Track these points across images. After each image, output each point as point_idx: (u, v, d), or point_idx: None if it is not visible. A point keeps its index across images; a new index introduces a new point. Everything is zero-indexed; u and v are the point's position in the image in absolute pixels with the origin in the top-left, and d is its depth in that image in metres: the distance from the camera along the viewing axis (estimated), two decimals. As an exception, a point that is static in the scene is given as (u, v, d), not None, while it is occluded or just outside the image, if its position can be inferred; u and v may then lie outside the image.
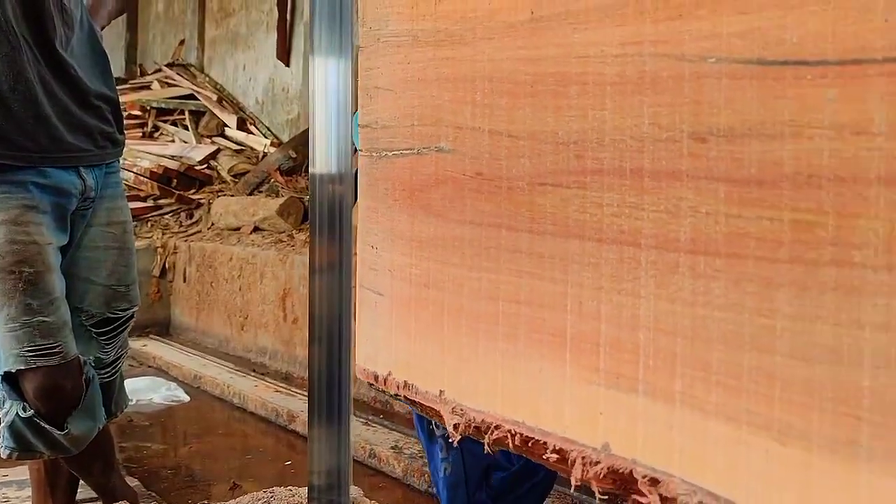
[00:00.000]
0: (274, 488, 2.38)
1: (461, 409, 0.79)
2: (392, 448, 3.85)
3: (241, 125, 8.61)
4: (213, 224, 7.17)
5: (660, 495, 0.62)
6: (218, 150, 8.28)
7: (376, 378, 0.90)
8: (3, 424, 2.00)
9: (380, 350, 0.90)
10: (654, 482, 0.62)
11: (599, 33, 0.65)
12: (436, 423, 1.74)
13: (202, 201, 7.58)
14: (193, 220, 7.48)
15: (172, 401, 4.89)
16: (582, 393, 0.68)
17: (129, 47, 10.74)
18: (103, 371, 2.18)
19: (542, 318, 0.71)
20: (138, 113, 8.82)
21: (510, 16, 0.73)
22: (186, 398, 4.96)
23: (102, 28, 2.30)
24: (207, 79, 9.44)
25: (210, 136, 8.60)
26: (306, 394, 1.18)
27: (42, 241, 1.93)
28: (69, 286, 2.06)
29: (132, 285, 2.25)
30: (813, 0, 0.53)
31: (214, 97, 8.94)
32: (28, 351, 1.90)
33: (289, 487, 2.40)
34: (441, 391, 0.81)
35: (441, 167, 0.81)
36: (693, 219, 0.60)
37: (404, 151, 0.85)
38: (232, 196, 7.45)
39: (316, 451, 1.20)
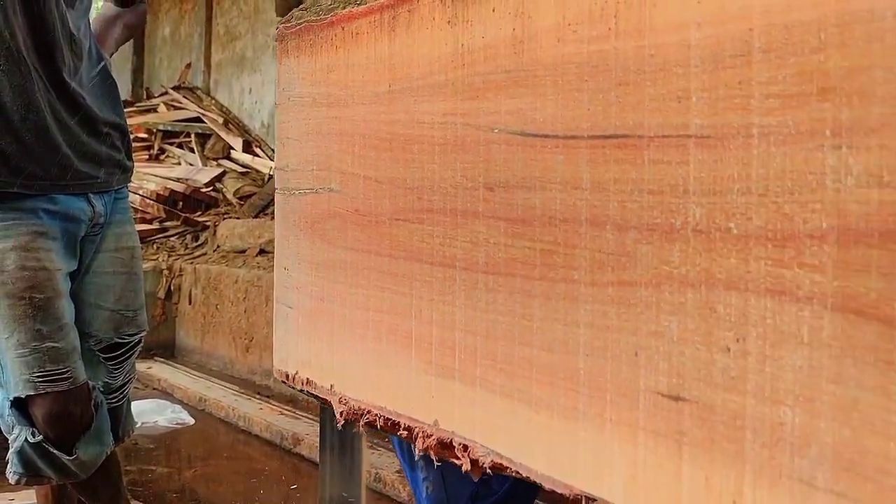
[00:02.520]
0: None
1: (345, 399, 1.02)
2: (397, 472, 3.89)
3: (247, 148, 8.89)
4: (218, 246, 7.39)
5: (469, 458, 0.85)
6: (224, 173, 8.54)
7: (287, 377, 1.13)
8: (11, 450, 2.05)
9: (290, 353, 1.13)
10: (465, 448, 0.85)
11: (431, 105, 0.89)
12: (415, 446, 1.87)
13: (208, 224, 7.82)
14: (199, 242, 7.71)
15: (177, 423, 4.93)
16: (421, 381, 0.91)
17: (136, 70, 11.09)
18: (111, 396, 2.27)
19: (396, 324, 0.94)
20: (144, 135, 9.12)
21: (376, 87, 0.97)
22: (191, 421, 4.98)
23: (111, 55, 2.41)
24: (213, 102, 9.75)
25: (216, 159, 8.87)
26: (311, 417, 1.30)
27: (52, 266, 2.02)
28: (77, 311, 2.14)
29: (140, 310, 2.31)
30: (551, 91, 0.76)
31: (220, 120, 9.24)
32: (37, 376, 1.97)
33: (297, 514, 2.46)
34: (331, 385, 1.05)
35: (332, 204, 1.04)
36: (486, 247, 0.83)
37: (306, 190, 1.08)
38: (238, 218, 7.67)
39: (328, 479, 1.30)
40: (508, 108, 0.80)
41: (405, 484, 3.81)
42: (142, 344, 2.34)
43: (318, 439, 1.43)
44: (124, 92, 10.42)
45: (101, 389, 2.20)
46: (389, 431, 0.96)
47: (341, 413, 1.02)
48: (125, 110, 2.45)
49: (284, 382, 1.14)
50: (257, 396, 5.43)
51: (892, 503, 0.53)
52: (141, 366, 6.18)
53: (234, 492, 3.94)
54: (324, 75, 1.05)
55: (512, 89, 0.80)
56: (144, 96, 10.77)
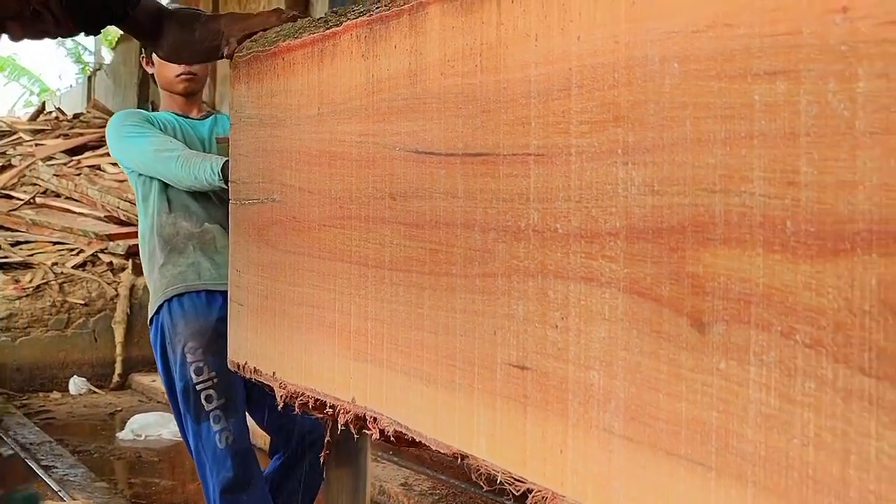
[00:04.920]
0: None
1: (285, 384, 1.19)
2: (401, 485, 4.00)
3: (251, 161, 9.10)
4: (219, 260, 7.54)
5: (378, 428, 1.02)
6: (227, 186, 8.75)
7: (239, 366, 1.30)
8: None
9: (241, 346, 1.30)
10: (375, 420, 1.02)
11: (350, 126, 1.06)
12: (206, 398, 2.06)
13: (210, 237, 7.98)
14: (201, 256, 7.87)
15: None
16: (342, 365, 1.08)
17: (142, 84, 11.33)
18: None
19: (323, 316, 1.11)
20: (149, 149, 9.34)
21: (308, 110, 1.14)
22: (196, 433, 5.14)
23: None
24: (219, 115, 9.97)
25: (220, 172, 9.07)
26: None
27: None
28: None
29: None
30: (436, 116, 0.93)
31: (225, 133, 9.46)
32: None
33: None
34: (274, 372, 1.22)
35: (274, 212, 1.22)
36: (391, 248, 1.00)
37: (254, 201, 1.26)
38: (239, 232, 7.83)
39: (333, 491, 1.38)
40: (406, 130, 0.97)
41: (410, 497, 3.92)
42: None
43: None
44: (131, 104, 10.67)
45: None
46: (319, 411, 1.13)
47: (281, 397, 1.19)
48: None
49: (237, 372, 1.31)
50: (260, 409, 5.53)
51: (662, 442, 0.70)
52: (145, 379, 6.36)
53: (238, 504, 4.07)
54: (268, 99, 1.23)
55: (409, 114, 0.97)
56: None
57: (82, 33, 1.69)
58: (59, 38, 1.73)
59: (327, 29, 1.10)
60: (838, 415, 0.58)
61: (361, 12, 1.05)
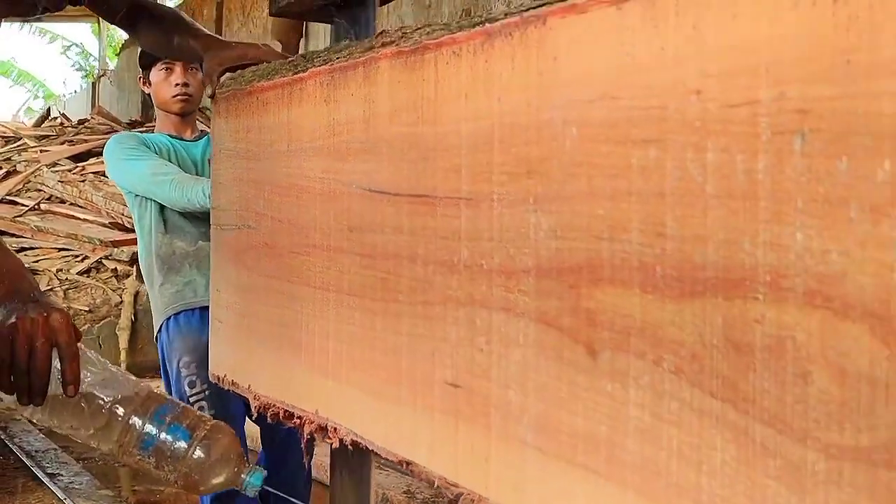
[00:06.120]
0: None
1: (258, 396, 1.31)
2: (404, 493, 4.05)
3: (254, 167, 9.23)
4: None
5: (338, 438, 1.14)
6: (230, 192, 8.88)
7: (219, 379, 1.43)
8: None
9: (221, 360, 1.43)
10: (335, 430, 1.14)
11: (314, 163, 1.18)
12: (198, 410, 2.16)
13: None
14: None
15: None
16: (308, 380, 1.20)
17: (146, 90, 11.50)
18: None
19: (292, 335, 1.23)
20: (154, 154, 9.49)
21: (279, 146, 1.26)
22: (201, 441, 5.23)
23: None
24: (223, 120, 10.11)
25: (223, 178, 9.20)
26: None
27: None
28: None
29: None
30: (386, 159, 1.05)
31: (228, 139, 9.59)
32: None
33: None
34: (249, 385, 1.34)
35: (250, 238, 1.34)
36: (349, 275, 1.12)
37: (232, 227, 1.38)
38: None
39: (338, 499, 1.39)
40: (362, 170, 1.09)
41: (413, 504, 4.00)
42: None
43: (323, 459, 1.59)
44: (134, 112, 10.83)
45: None
46: (287, 420, 1.25)
47: (256, 408, 1.32)
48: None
49: (217, 384, 1.43)
50: (264, 415, 5.61)
51: (564, 452, 0.81)
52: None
53: (242, 511, 4.16)
54: (244, 134, 1.35)
55: (364, 155, 1.09)
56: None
57: (67, 4, 1.66)
58: (47, 13, 1.68)
59: (295, 74, 1.22)
60: (694, 431, 0.69)
61: (325, 60, 1.16)
